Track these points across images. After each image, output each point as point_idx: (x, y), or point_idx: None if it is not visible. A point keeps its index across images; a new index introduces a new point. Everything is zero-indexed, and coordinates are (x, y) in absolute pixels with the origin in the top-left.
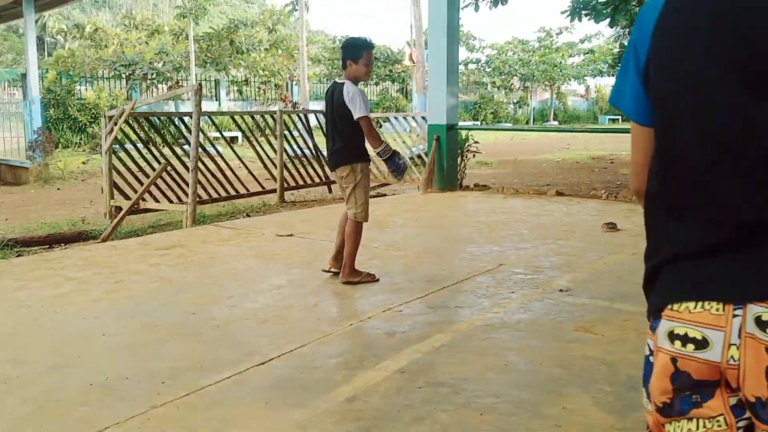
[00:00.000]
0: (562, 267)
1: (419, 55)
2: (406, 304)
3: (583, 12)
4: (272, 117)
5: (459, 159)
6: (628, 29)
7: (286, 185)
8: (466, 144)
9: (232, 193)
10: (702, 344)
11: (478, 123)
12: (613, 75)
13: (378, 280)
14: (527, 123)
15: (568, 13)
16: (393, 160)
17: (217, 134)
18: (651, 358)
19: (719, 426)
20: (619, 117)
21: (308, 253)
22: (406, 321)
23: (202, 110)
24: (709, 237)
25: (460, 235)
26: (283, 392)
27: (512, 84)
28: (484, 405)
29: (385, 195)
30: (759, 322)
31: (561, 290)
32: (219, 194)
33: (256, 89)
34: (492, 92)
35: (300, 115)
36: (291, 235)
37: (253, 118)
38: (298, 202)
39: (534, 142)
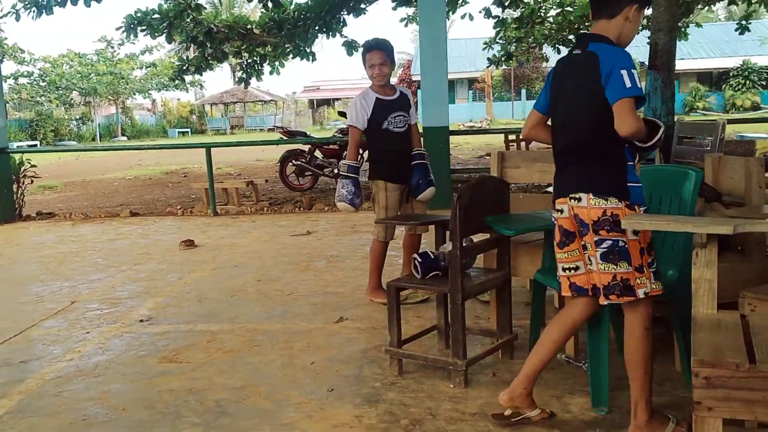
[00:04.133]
0: (141, 294)
1: None
2: None
3: (140, 28)
4: None
5: (15, 186)
6: (186, 44)
7: None
8: (22, 168)
9: None
10: (561, 211)
11: (38, 143)
12: (175, 89)
13: None
14: (93, 140)
15: (124, 29)
16: (340, 181)
17: None
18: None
19: (576, 254)
20: (188, 130)
21: None
22: None
23: None
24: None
25: (21, 275)
26: None
27: (72, 99)
28: None
29: None
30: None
31: (141, 320)
32: None
33: None
34: (51, 108)
35: None
36: None
37: None
38: None
39: (103, 159)
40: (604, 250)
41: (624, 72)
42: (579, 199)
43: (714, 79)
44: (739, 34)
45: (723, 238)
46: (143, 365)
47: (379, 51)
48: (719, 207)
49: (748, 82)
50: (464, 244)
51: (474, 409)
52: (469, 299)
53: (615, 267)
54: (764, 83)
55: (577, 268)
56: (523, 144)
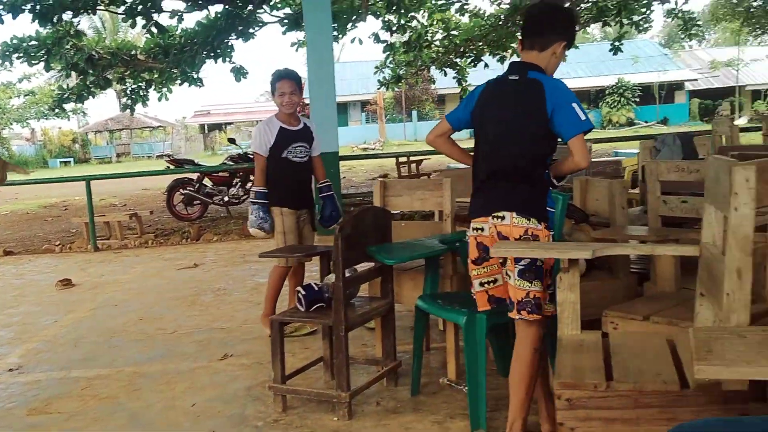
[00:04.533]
0: (12, 341)
1: None
2: None
3: (15, 56)
4: None
5: None
6: (66, 72)
7: None
8: None
9: None
10: (482, 229)
11: None
12: (56, 117)
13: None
14: None
15: None
16: (250, 207)
17: None
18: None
19: (495, 267)
20: (71, 159)
21: None
22: None
23: None
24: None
25: None
26: None
27: None
28: None
29: None
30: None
31: (11, 369)
32: None
33: None
34: None
35: None
36: None
37: None
38: None
39: None
40: (522, 267)
41: (575, 106)
42: (503, 218)
43: (592, 97)
44: (613, 54)
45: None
46: (11, 418)
47: (289, 80)
48: (587, 228)
49: (622, 99)
50: (347, 275)
51: None
52: (356, 329)
53: (529, 285)
54: (637, 100)
55: (495, 281)
56: (413, 166)
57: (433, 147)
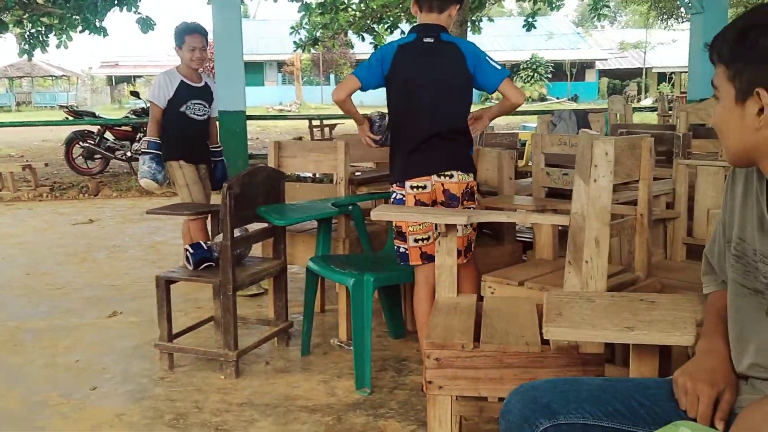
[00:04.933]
0: None
1: None
2: None
3: None
4: None
5: None
6: None
7: None
8: None
9: None
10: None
11: None
12: None
13: None
14: None
15: None
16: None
17: None
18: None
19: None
20: None
21: None
22: None
23: None
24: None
25: None
26: None
27: None
28: None
29: None
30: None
31: None
32: None
33: None
34: None
35: None
36: None
37: None
38: None
39: None
40: None
41: (489, 60)
42: (451, 176)
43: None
44: (527, 30)
45: (483, 225)
46: None
47: (200, 35)
48: (477, 196)
49: (536, 74)
50: (237, 235)
51: (242, 399)
52: (249, 289)
53: (468, 230)
54: (550, 76)
55: (428, 238)
56: (326, 130)
57: (340, 105)
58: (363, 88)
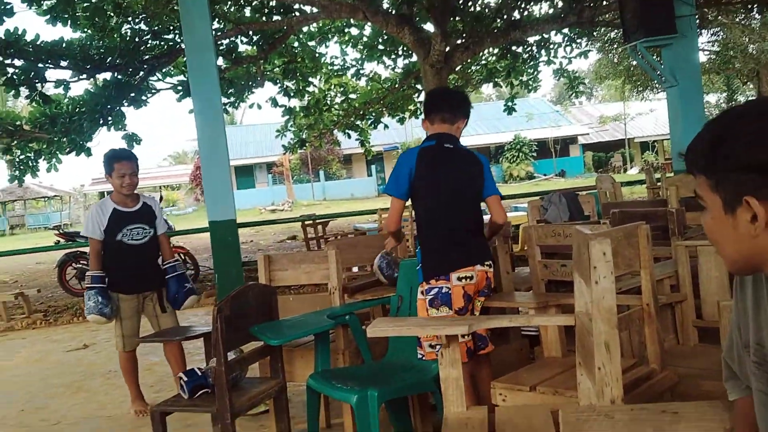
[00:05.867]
0: None
1: None
2: None
3: None
4: None
5: None
6: None
7: None
8: None
9: None
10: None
11: None
12: None
13: None
14: None
15: None
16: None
17: None
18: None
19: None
20: None
21: None
22: None
23: None
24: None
25: None
26: None
27: None
28: None
29: None
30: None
31: None
32: None
33: None
34: None
35: None
36: None
37: None
38: None
39: None
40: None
41: (492, 173)
42: (491, 265)
43: (492, 153)
44: (507, 114)
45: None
46: None
47: (129, 161)
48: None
49: (521, 154)
50: (231, 358)
51: None
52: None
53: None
54: (534, 155)
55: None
56: (320, 228)
57: (394, 234)
58: (405, 200)
